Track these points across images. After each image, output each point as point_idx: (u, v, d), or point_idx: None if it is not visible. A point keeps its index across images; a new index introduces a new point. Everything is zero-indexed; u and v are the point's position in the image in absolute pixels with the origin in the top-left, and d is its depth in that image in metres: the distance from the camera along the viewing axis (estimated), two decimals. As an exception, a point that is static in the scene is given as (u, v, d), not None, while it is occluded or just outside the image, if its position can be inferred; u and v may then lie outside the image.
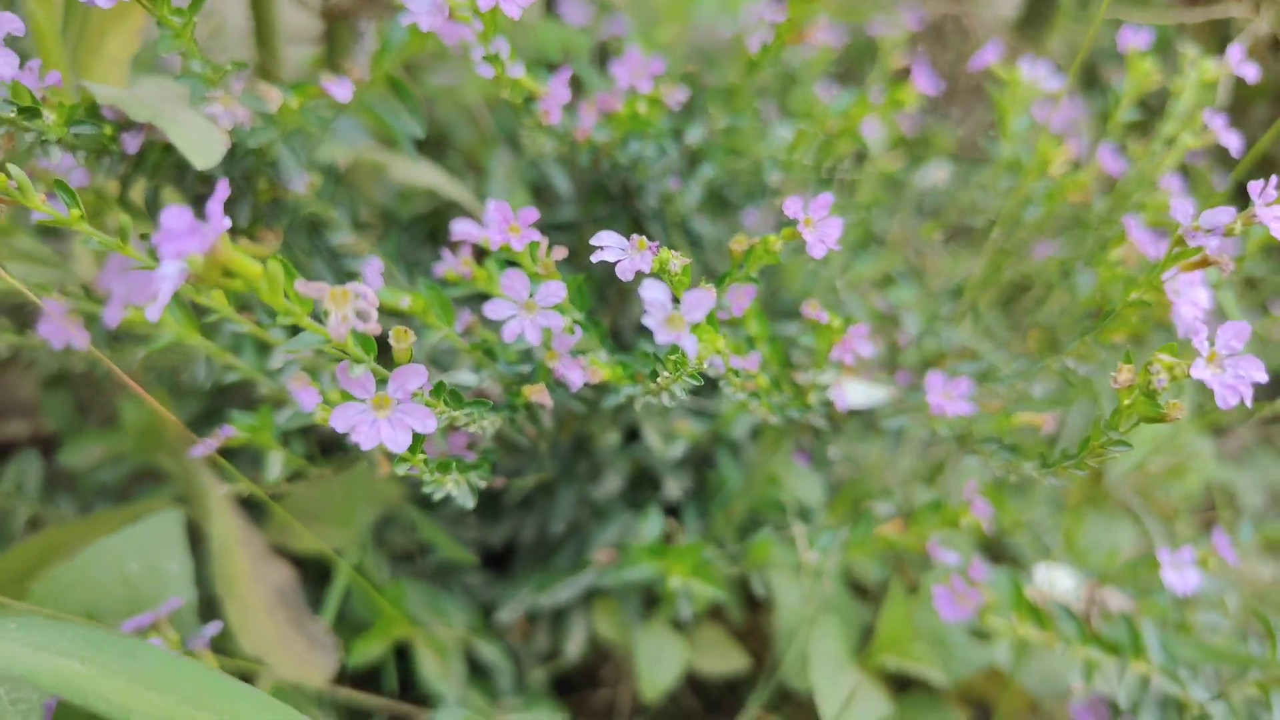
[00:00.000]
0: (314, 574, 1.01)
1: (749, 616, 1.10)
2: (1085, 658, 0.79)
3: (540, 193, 1.15)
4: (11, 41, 0.56)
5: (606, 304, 1.11)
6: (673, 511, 1.12)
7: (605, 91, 0.76)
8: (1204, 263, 0.56)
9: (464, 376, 0.77)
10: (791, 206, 0.56)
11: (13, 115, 0.56)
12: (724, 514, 1.00)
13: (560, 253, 0.60)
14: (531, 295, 0.58)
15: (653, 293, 0.42)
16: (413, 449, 0.50)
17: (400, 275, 0.86)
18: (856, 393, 0.82)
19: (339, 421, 0.46)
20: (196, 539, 0.89)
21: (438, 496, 0.57)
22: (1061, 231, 0.86)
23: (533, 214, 0.58)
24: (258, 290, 0.40)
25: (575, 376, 0.62)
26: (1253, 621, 0.89)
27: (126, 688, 0.46)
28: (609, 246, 0.55)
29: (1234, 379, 0.53)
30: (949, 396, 0.74)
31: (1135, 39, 0.97)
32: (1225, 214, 0.55)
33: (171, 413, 0.89)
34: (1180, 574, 0.94)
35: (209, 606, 0.83)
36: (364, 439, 0.47)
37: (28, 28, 0.59)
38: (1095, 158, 0.87)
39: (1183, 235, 0.56)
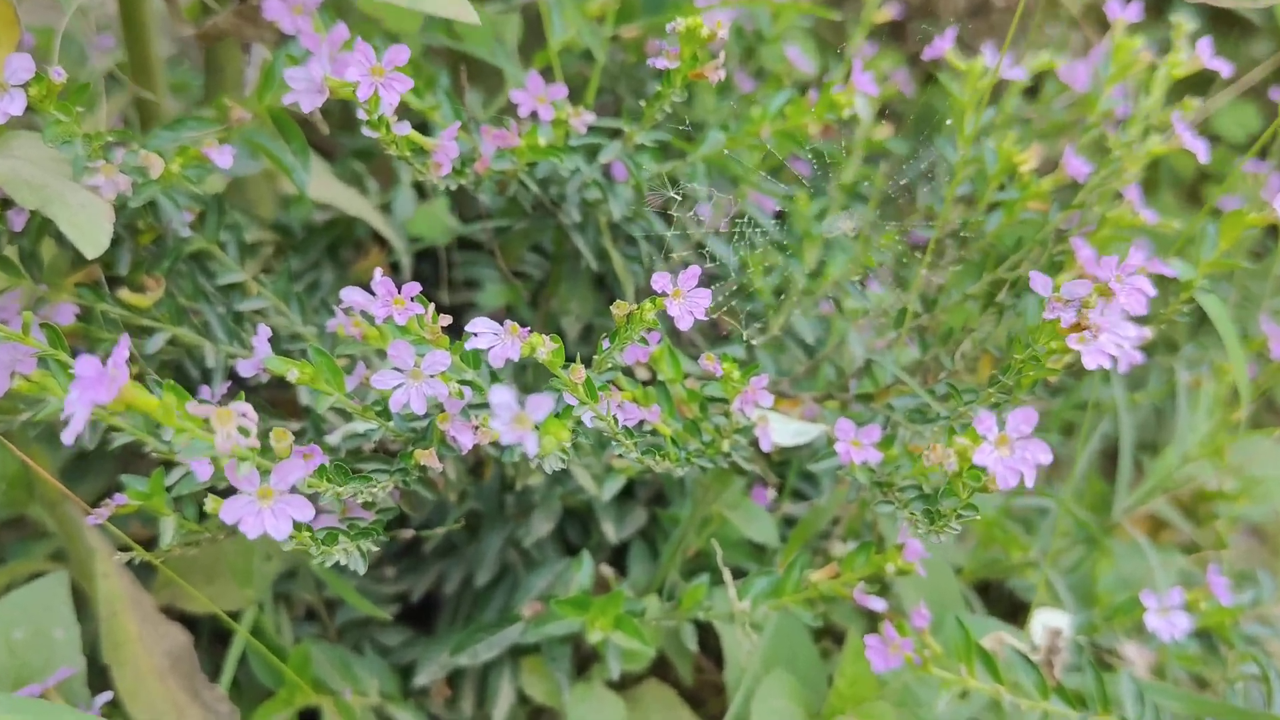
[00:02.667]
0: (210, 636, 1.26)
1: (712, 671, 1.35)
2: (1044, 712, 1.03)
3: (456, 198, 1.40)
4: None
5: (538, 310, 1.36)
6: (619, 555, 1.37)
7: (501, 127, 0.99)
8: (1077, 328, 0.80)
9: (359, 426, 1.01)
10: (659, 281, 0.80)
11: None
12: (675, 558, 1.25)
13: (445, 320, 0.84)
14: (417, 364, 0.82)
15: (499, 396, 0.66)
16: (297, 528, 0.74)
17: (294, 313, 1.10)
18: (783, 432, 1.05)
19: (228, 514, 0.69)
20: (80, 600, 1.14)
21: (328, 565, 0.82)
22: (1016, 247, 1.09)
23: (415, 288, 0.82)
24: (155, 417, 0.64)
25: (465, 439, 0.85)
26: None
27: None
28: (483, 333, 0.78)
29: (1019, 460, 0.77)
30: (857, 445, 0.97)
31: (1125, 10, 1.19)
32: (1081, 287, 0.79)
33: (45, 464, 1.14)
34: (1167, 619, 1.19)
35: (99, 674, 1.08)
36: (250, 529, 0.70)
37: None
38: (1060, 162, 1.10)
39: (1047, 305, 0.80)
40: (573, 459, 1.13)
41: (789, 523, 1.36)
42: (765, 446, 1.01)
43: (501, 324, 0.81)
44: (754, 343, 1.17)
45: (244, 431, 0.68)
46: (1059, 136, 1.37)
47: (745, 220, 1.23)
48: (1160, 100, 1.08)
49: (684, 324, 0.81)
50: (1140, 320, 0.94)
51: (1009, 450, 0.78)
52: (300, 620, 1.28)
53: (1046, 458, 0.77)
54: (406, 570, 1.32)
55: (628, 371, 1.05)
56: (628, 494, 1.35)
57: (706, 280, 0.91)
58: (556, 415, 0.85)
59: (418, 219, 1.35)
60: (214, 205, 1.06)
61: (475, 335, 0.79)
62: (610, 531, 1.27)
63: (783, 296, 1.29)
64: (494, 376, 0.90)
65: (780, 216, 1.34)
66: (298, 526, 0.75)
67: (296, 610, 1.28)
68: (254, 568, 1.17)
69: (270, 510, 0.71)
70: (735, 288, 1.24)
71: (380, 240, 1.41)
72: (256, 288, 1.09)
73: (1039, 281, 0.83)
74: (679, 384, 1.02)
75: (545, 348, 0.77)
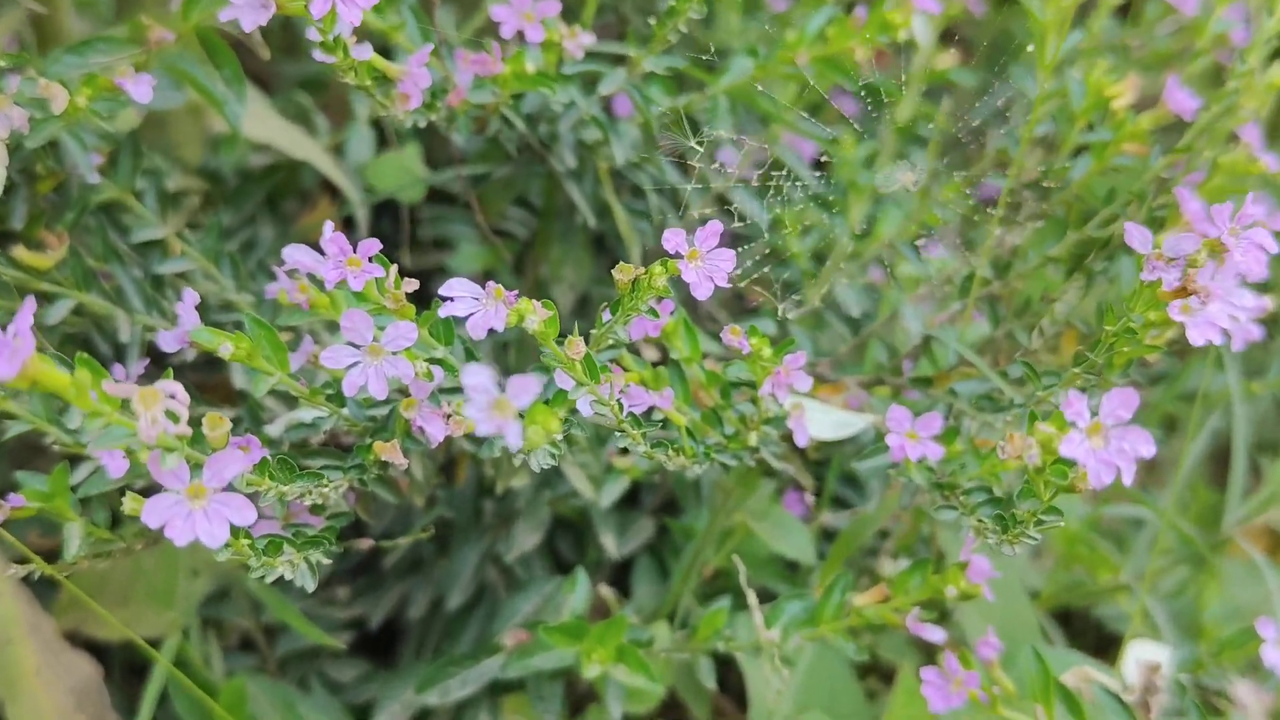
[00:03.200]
0: (124, 668, 1.26)
1: (734, 715, 1.36)
2: (1136, 765, 1.04)
3: (424, 139, 1.39)
4: None
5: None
6: (621, 573, 1.38)
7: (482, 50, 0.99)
8: (1182, 292, 0.79)
9: (306, 414, 1.01)
10: (671, 240, 0.79)
11: None
12: (689, 577, 1.25)
13: (411, 285, 0.83)
14: (377, 338, 0.81)
15: (474, 376, 0.65)
16: (234, 534, 0.74)
17: (226, 276, 1.10)
18: (823, 423, 1.05)
19: (151, 517, 0.68)
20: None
21: (268, 581, 0.81)
22: (1108, 199, 1.08)
23: (373, 245, 0.81)
24: (64, 397, 0.63)
25: (435, 429, 0.85)
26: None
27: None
28: (460, 297, 0.78)
29: (1116, 453, 0.76)
30: (914, 438, 0.97)
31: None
32: (1188, 241, 0.78)
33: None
34: (1287, 652, 1.18)
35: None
36: (178, 534, 0.68)
37: None
38: (1162, 97, 1.10)
39: (1145, 263, 0.79)
40: (565, 456, 1.13)
41: (828, 535, 1.36)
42: (801, 441, 1.01)
43: (483, 287, 0.81)
44: (788, 317, 1.17)
45: (172, 416, 0.67)
46: (1161, 66, 1.36)
47: (778, 169, 1.23)
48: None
49: (701, 292, 0.81)
50: (1259, 288, 0.93)
51: (1103, 440, 0.77)
52: (234, 650, 1.29)
53: (1149, 449, 0.76)
54: (363, 590, 1.32)
55: (633, 350, 1.05)
56: (631, 500, 1.36)
57: (730, 241, 0.91)
58: (546, 401, 0.85)
59: (377, 165, 1.35)
60: (128, 146, 1.06)
61: (450, 300, 0.79)
62: (610, 545, 1.27)
63: (823, 261, 1.29)
64: (469, 353, 0.90)
65: (821, 164, 1.34)
66: (235, 532, 0.74)
67: (229, 638, 1.29)
68: (178, 586, 1.17)
69: (203, 512, 0.71)
70: (766, 251, 1.24)
71: (331, 190, 1.41)
72: (180, 246, 1.09)
73: (1136, 235, 0.82)
74: (696, 364, 1.02)
75: (536, 315, 0.76)
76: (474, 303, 0.80)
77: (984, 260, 1.11)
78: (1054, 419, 0.79)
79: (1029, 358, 1.09)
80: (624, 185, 1.28)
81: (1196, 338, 0.83)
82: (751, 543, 1.27)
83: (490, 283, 0.80)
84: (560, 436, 0.73)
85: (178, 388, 0.67)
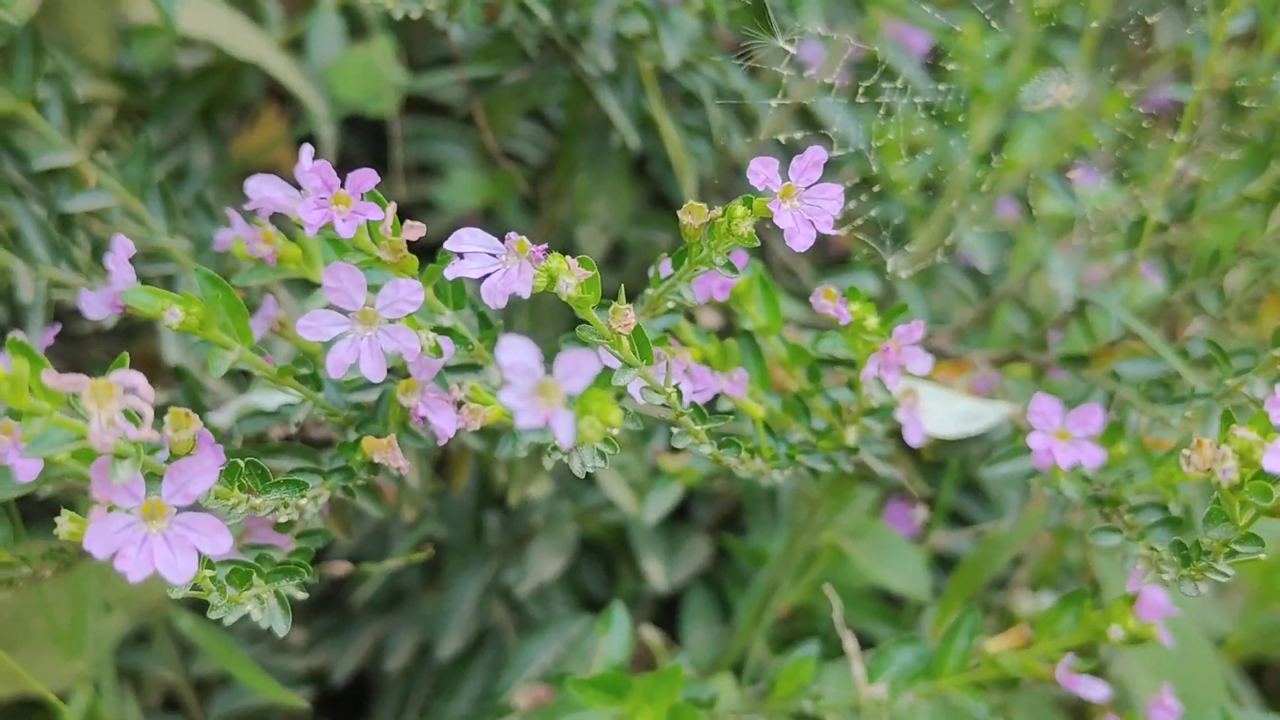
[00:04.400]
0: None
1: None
2: None
3: (405, 32, 1.42)
4: None
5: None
6: (668, 611, 1.41)
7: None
8: None
9: (263, 399, 1.05)
10: (761, 171, 0.81)
11: None
12: (760, 616, 1.29)
13: (416, 230, 0.87)
14: (370, 302, 0.85)
15: (514, 354, 0.68)
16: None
17: (155, 215, 1.13)
18: (943, 415, 1.09)
19: (97, 544, 0.70)
20: None
21: (230, 620, 0.85)
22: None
23: (370, 177, 0.84)
24: (-3, 391, 0.67)
25: (444, 420, 0.88)
26: None
27: None
28: (473, 252, 0.81)
29: None
30: (1065, 437, 0.99)
31: None
32: None
33: None
34: None
35: None
36: (132, 567, 0.71)
37: None
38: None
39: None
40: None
41: (941, 563, 1.39)
42: (914, 439, 1.04)
43: (501, 239, 0.84)
44: (897, 273, 1.20)
45: (132, 417, 0.70)
46: None
47: (878, 70, 1.25)
48: None
49: (799, 241, 0.83)
50: None
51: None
52: (156, 710, 1.33)
53: None
54: (325, 633, 1.36)
55: (690, 317, 1.08)
56: (681, 514, 1.39)
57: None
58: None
59: (345, 66, 1.37)
60: (25, 41, 1.08)
61: (460, 257, 0.81)
62: (656, 574, 1.31)
63: (938, 195, 1.32)
64: (484, 321, 0.94)
65: (934, 63, 1.37)
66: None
67: (150, 694, 1.33)
68: (87, 626, 1.21)
69: (162, 538, 0.74)
70: (861, 181, 1.27)
71: (279, 98, 1.44)
72: (94, 175, 1.11)
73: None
74: (776, 336, 1.05)
75: (573, 276, 0.80)
76: (490, 260, 0.82)
77: (1158, 199, 1.13)
78: (1255, 421, 0.82)
79: (1217, 331, 1.11)
80: (674, 94, 1.31)
81: None
82: (843, 571, 1.30)
83: (511, 235, 0.82)
84: (617, 431, 0.76)
85: (139, 380, 0.70)
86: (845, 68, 1.32)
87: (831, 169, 1.27)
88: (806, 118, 1.27)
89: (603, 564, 1.39)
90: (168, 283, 1.13)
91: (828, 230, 0.84)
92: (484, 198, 1.42)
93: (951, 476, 1.32)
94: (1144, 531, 0.96)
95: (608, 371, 0.87)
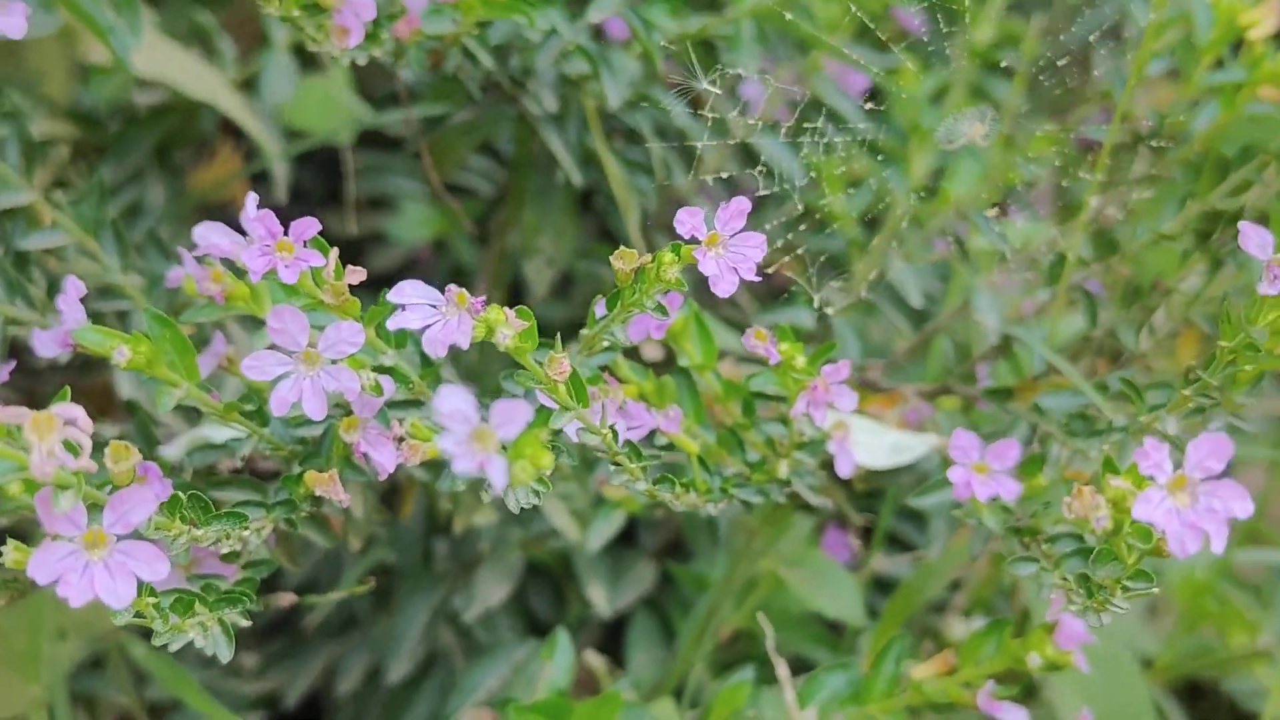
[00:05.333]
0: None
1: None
2: None
3: (361, 69, 1.46)
4: None
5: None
6: (615, 634, 1.44)
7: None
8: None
9: (212, 433, 1.08)
10: (686, 221, 0.85)
11: None
12: (700, 640, 1.32)
13: (357, 275, 0.90)
14: (313, 342, 0.88)
15: (450, 402, 0.72)
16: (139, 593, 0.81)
17: (109, 253, 1.16)
18: (873, 448, 1.12)
19: (40, 571, 0.74)
20: None
21: (173, 647, 0.88)
22: (1242, 159, 1.14)
23: (311, 225, 0.88)
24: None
25: (385, 456, 0.91)
26: None
27: None
28: (414, 304, 0.84)
29: (1204, 514, 0.82)
30: (983, 470, 1.02)
31: None
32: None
33: None
34: None
35: None
36: (74, 593, 0.75)
37: None
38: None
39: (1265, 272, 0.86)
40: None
41: (882, 586, 1.43)
42: (844, 471, 1.08)
43: (442, 289, 0.87)
44: (826, 310, 1.23)
45: (72, 449, 0.74)
46: None
47: (819, 108, 1.29)
48: None
49: (723, 287, 0.87)
50: None
51: (1189, 498, 0.84)
52: (112, 735, 1.35)
53: (1245, 508, 0.83)
54: (278, 657, 1.39)
55: (631, 352, 1.12)
56: (627, 539, 1.43)
57: (755, 203, 0.95)
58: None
59: (301, 102, 1.40)
60: (-16, 85, 1.12)
61: (402, 308, 0.85)
62: (600, 599, 1.34)
63: (875, 229, 1.35)
64: (426, 361, 0.97)
65: (875, 99, 1.40)
66: (138, 591, 0.81)
67: (104, 718, 1.35)
68: (42, 652, 1.23)
69: (103, 565, 0.78)
70: (800, 212, 1.30)
71: (234, 132, 1.46)
72: (50, 214, 1.14)
73: (1253, 238, 0.89)
74: (711, 371, 1.08)
75: (510, 327, 0.84)
76: (431, 311, 0.86)
77: (1076, 237, 1.17)
78: (1129, 472, 0.86)
79: (1137, 364, 1.16)
80: (619, 130, 1.34)
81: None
82: (782, 597, 1.34)
83: (451, 287, 0.86)
84: (550, 471, 0.80)
85: (78, 412, 0.74)
86: (785, 105, 1.35)
87: (773, 205, 1.32)
88: (748, 154, 1.31)
89: (551, 588, 1.42)
90: (122, 318, 1.16)
91: (750, 276, 0.88)
92: (435, 231, 1.45)
93: (890, 502, 1.36)
94: (1059, 561, 0.99)
95: (545, 412, 0.91)
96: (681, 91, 1.15)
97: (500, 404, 0.71)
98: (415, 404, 0.97)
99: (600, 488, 1.27)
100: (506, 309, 0.85)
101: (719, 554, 1.39)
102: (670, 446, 1.03)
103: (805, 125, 1.24)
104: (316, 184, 1.50)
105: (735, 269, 0.89)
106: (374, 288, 0.92)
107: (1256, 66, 1.18)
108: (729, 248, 0.89)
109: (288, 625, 1.38)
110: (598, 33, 1.22)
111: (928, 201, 1.36)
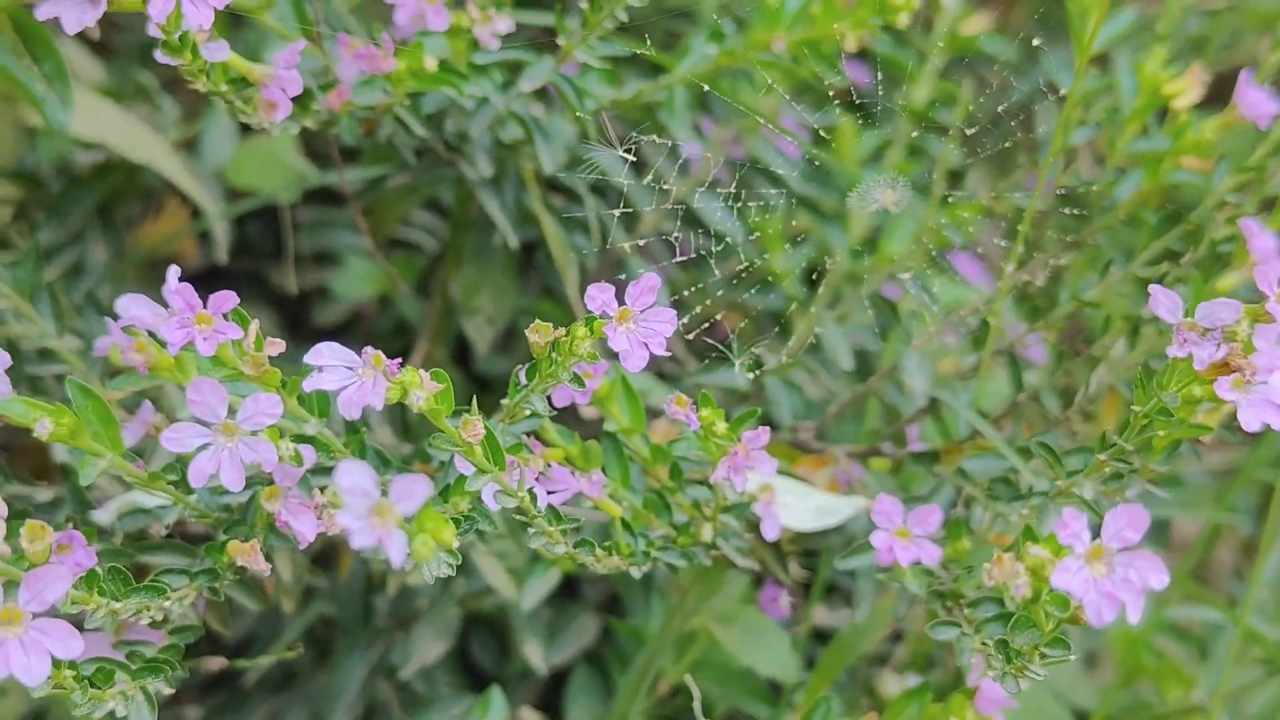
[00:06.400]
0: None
1: None
2: None
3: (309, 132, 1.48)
4: None
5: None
6: (558, 687, 1.45)
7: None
8: (1224, 368, 0.89)
9: (142, 499, 1.09)
10: (596, 298, 0.87)
11: None
12: (636, 694, 1.33)
13: (276, 347, 0.92)
14: (231, 415, 0.90)
15: (349, 477, 0.73)
16: (56, 665, 0.83)
17: (45, 317, 1.18)
18: (800, 510, 1.14)
19: None
20: None
21: (97, 716, 0.90)
22: (1164, 228, 1.17)
23: (230, 299, 0.90)
24: None
25: (305, 525, 0.93)
26: None
27: None
28: (330, 366, 0.86)
29: (1121, 584, 0.84)
30: (905, 535, 1.05)
31: None
32: (1227, 309, 0.87)
33: None
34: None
35: None
36: None
37: None
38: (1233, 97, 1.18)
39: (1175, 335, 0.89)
40: (476, 546, 1.22)
41: (824, 638, 1.44)
42: (771, 534, 1.10)
43: (359, 352, 0.89)
44: (759, 369, 1.25)
45: None
46: (1233, 56, 1.44)
47: (756, 166, 1.31)
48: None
49: (633, 363, 0.89)
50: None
51: (1105, 568, 0.86)
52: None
53: (1160, 580, 0.85)
54: (219, 711, 1.39)
55: (570, 410, 1.13)
56: (568, 591, 1.44)
57: (694, 261, 0.97)
58: (446, 492, 0.94)
59: (242, 162, 1.42)
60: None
61: (319, 370, 0.87)
62: (535, 657, 1.35)
63: (818, 285, 1.37)
64: (350, 429, 0.99)
65: (811, 162, 1.42)
66: (57, 664, 0.83)
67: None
68: (-20, 708, 1.24)
69: (18, 642, 0.79)
70: (744, 269, 1.32)
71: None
72: (-13, 275, 1.16)
73: (1163, 300, 0.91)
74: (639, 435, 1.10)
75: (423, 390, 0.86)
76: (347, 373, 0.87)
77: (999, 302, 1.19)
78: (1047, 541, 0.88)
79: (1061, 429, 1.18)
80: (559, 188, 1.36)
81: (1251, 421, 0.91)
82: (719, 651, 1.34)
83: (368, 349, 0.87)
84: (457, 544, 0.82)
85: None
86: (724, 163, 1.37)
87: (722, 258, 1.33)
88: (684, 212, 1.33)
89: (494, 639, 1.43)
90: (59, 381, 1.17)
91: (660, 352, 0.90)
92: (378, 287, 1.46)
93: (826, 558, 1.37)
94: (980, 626, 1.01)
95: (460, 478, 0.92)
96: (625, 153, 1.15)
97: (399, 480, 0.73)
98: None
99: (536, 546, 1.29)
100: (422, 371, 0.86)
101: (656, 609, 1.40)
102: (579, 525, 1.04)
103: (742, 187, 1.26)
104: (264, 238, 1.51)
105: (646, 344, 0.91)
106: (317, 342, 0.92)
107: (1180, 135, 1.20)
108: (640, 323, 0.91)
109: (228, 679, 1.39)
110: (541, 92, 1.23)
111: (866, 259, 1.38)
